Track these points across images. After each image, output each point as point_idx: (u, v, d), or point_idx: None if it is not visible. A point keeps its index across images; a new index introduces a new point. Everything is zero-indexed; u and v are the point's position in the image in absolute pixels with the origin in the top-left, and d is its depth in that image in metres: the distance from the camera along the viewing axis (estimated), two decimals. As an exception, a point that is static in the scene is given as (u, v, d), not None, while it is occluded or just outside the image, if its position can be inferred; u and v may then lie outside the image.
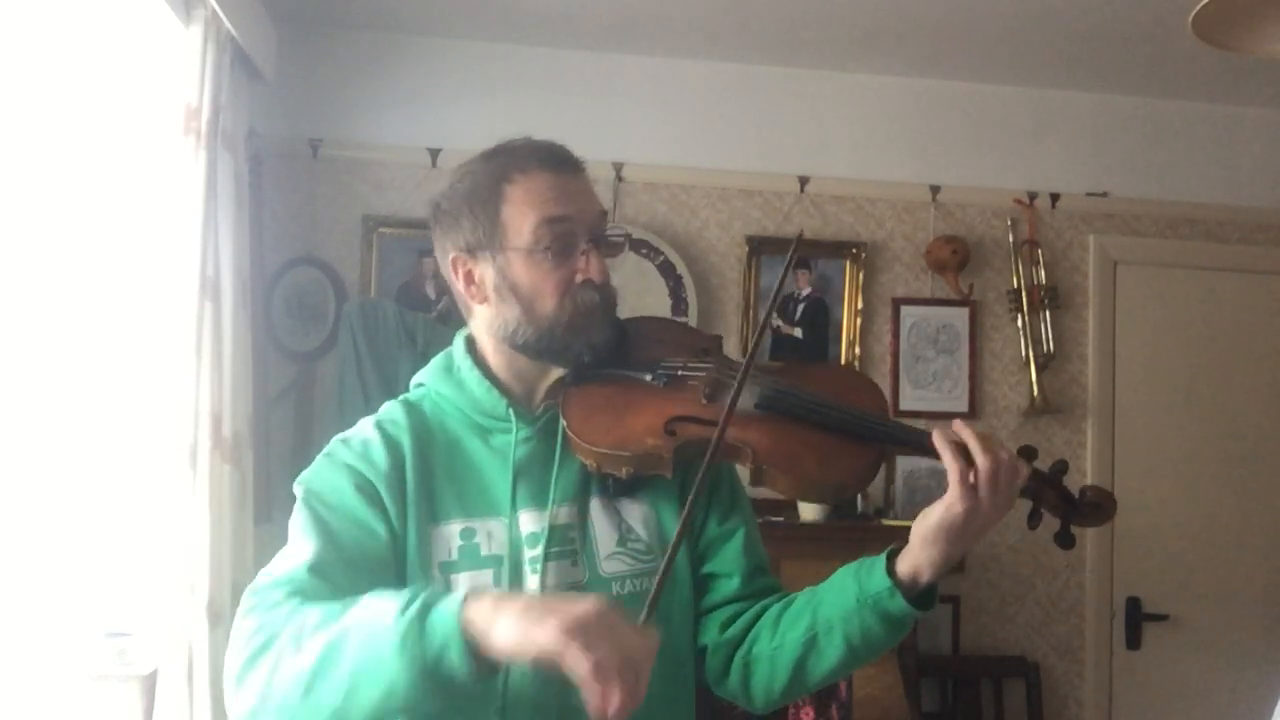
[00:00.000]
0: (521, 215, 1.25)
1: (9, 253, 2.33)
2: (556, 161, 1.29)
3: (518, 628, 0.96)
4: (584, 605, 0.97)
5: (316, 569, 1.13)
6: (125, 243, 2.54)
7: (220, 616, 2.49)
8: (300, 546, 1.16)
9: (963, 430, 1.19)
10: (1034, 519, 1.27)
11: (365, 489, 1.22)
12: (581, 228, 1.27)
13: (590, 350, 1.28)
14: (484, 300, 1.30)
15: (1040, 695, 3.34)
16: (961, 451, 1.16)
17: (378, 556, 1.19)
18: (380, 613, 1.01)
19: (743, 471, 1.26)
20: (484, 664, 0.99)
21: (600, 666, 0.94)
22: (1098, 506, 1.25)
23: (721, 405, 1.22)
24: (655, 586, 1.07)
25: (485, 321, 1.31)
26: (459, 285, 1.31)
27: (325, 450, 1.28)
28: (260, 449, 2.85)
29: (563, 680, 1.16)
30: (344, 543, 1.17)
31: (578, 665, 0.94)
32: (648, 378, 1.32)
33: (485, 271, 1.28)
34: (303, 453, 3.04)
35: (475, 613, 0.98)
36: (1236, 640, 3.51)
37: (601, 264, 1.28)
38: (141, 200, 2.55)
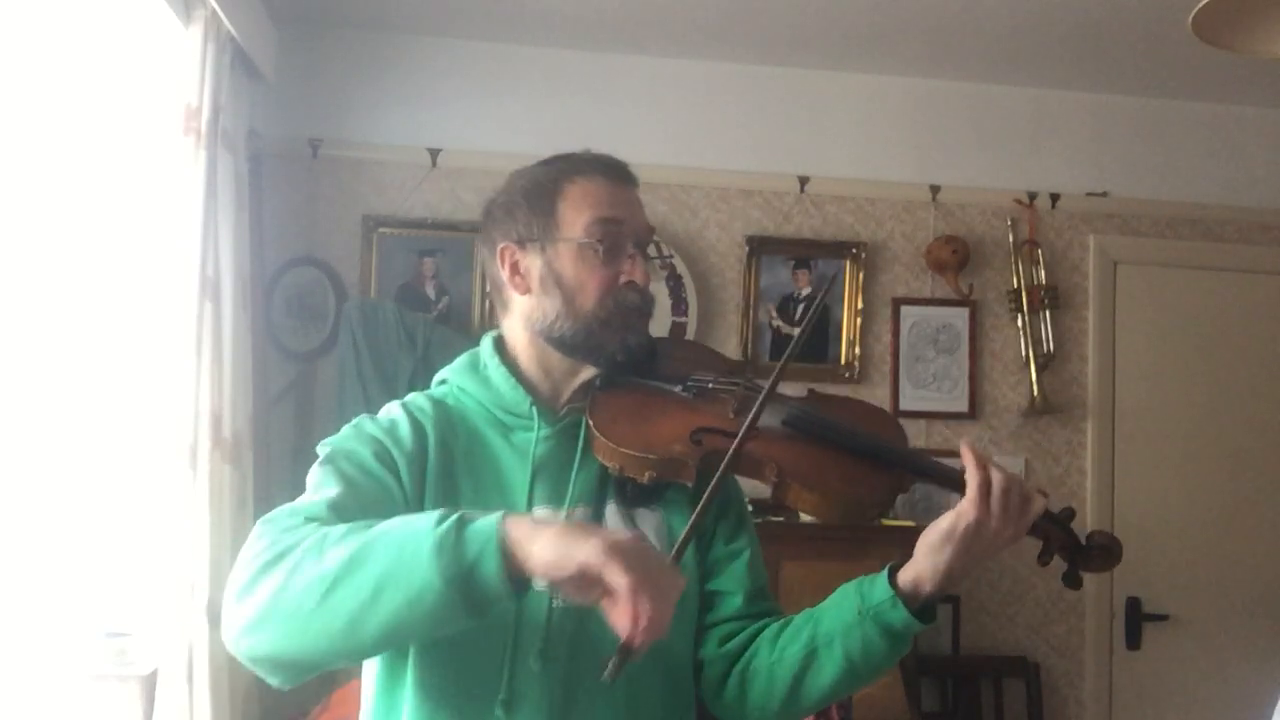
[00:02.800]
0: (577, 211, 1.29)
1: (10, 253, 2.33)
2: (615, 172, 1.33)
3: (559, 544, 0.97)
4: (621, 532, 1.03)
5: (335, 506, 1.12)
6: (125, 243, 2.54)
7: (220, 616, 2.48)
8: (321, 490, 1.16)
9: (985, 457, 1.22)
10: (1044, 557, 1.28)
11: (383, 457, 1.23)
12: (631, 234, 1.31)
13: (624, 350, 1.29)
14: (526, 291, 1.32)
15: (1040, 695, 3.34)
16: (984, 466, 1.19)
17: (396, 512, 1.17)
18: (415, 521, 1.01)
19: (763, 488, 1.27)
20: (517, 581, 0.99)
21: (636, 585, 0.96)
22: (1105, 550, 1.27)
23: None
24: (685, 534, 1.12)
25: (524, 313, 1.33)
26: (504, 274, 1.33)
27: (353, 422, 1.29)
28: (260, 449, 2.85)
29: (565, 675, 1.18)
30: (364, 493, 1.18)
31: (617, 581, 0.95)
32: (678, 389, 1.34)
33: (532, 262, 1.31)
34: (303, 453, 3.04)
35: (514, 527, 0.99)
36: (1236, 640, 3.51)
37: (645, 270, 1.32)
38: (141, 200, 2.55)
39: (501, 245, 1.33)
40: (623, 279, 1.30)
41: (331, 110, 3.24)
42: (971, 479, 1.18)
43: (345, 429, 1.28)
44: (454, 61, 3.30)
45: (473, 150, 3.22)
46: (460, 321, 3.21)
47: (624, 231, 1.30)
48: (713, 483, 1.16)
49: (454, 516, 1.00)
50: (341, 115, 3.24)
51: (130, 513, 2.51)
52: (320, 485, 1.17)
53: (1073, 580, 1.29)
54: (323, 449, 1.25)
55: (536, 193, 1.32)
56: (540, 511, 1.26)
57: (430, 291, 3.23)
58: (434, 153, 3.24)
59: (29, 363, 2.36)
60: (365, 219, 3.22)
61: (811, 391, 1.40)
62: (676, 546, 1.12)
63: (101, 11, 2.43)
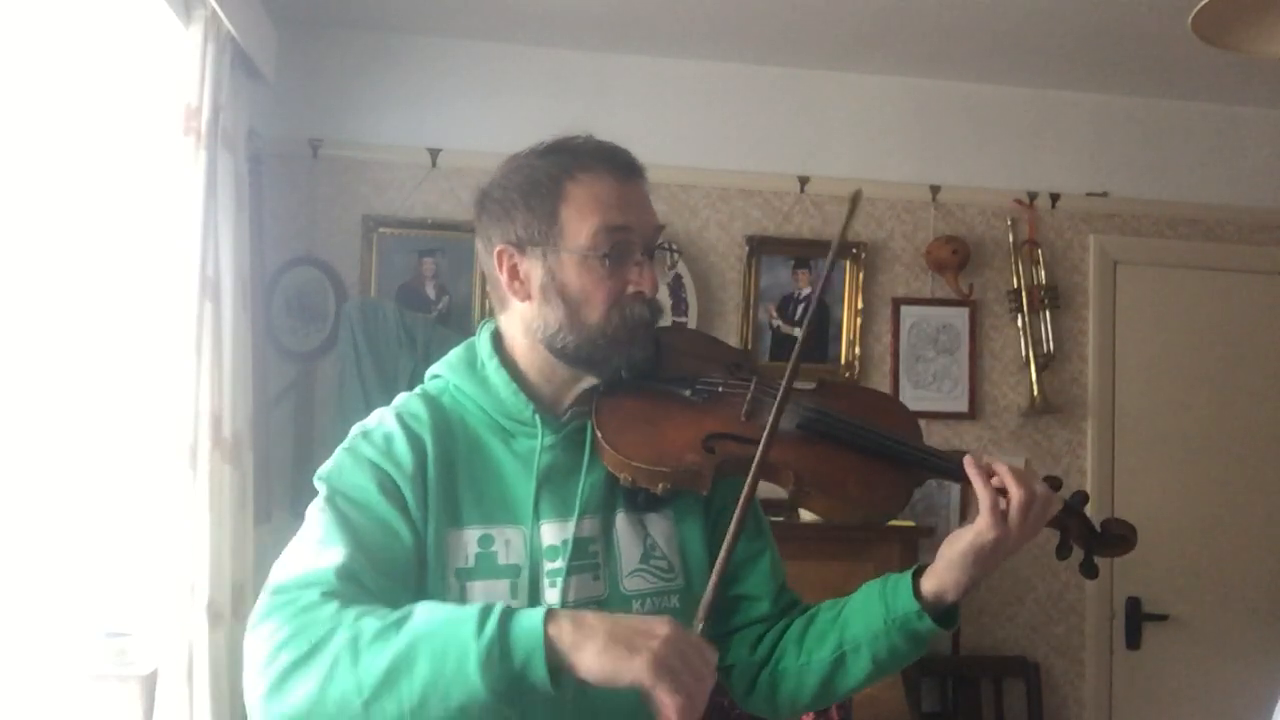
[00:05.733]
0: (581, 217, 1.21)
1: (10, 253, 2.33)
2: (622, 166, 1.25)
3: (606, 660, 0.99)
4: (661, 632, 1.00)
5: (345, 573, 1.09)
6: (125, 243, 2.54)
7: (220, 616, 2.49)
8: (327, 548, 1.11)
9: (995, 463, 1.22)
10: (1063, 550, 1.29)
11: (389, 489, 1.17)
12: (639, 239, 1.24)
13: (629, 366, 1.25)
14: (527, 298, 1.25)
15: (1040, 695, 3.34)
16: (994, 481, 1.19)
17: (404, 560, 1.16)
18: (453, 626, 1.00)
19: (780, 491, 1.25)
20: (563, 678, 1.01)
21: (684, 705, 0.99)
22: (1121, 539, 1.28)
23: (761, 424, 1.19)
24: (708, 595, 1.10)
25: (524, 319, 1.27)
26: (502, 278, 1.26)
27: (346, 444, 1.23)
28: (260, 449, 2.85)
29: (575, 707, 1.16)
30: (370, 546, 1.13)
31: (665, 701, 0.99)
32: (686, 393, 1.29)
33: (533, 268, 1.24)
34: (303, 453, 3.05)
35: (559, 632, 1.00)
36: (1236, 640, 3.51)
37: (654, 278, 1.24)
38: (141, 200, 2.55)
39: (499, 247, 1.25)
40: (630, 289, 1.23)
41: (331, 110, 3.24)
42: (983, 501, 1.17)
43: (341, 455, 1.21)
44: (454, 61, 3.30)
45: (473, 150, 3.21)
46: (460, 321, 3.21)
47: (631, 238, 1.23)
48: (737, 512, 1.13)
49: (494, 621, 1.00)
50: (341, 115, 3.24)
51: (130, 513, 2.51)
52: (325, 540, 1.12)
53: (1089, 569, 1.29)
54: (321, 484, 1.19)
55: (536, 193, 1.23)
56: (548, 527, 1.22)
57: (430, 291, 3.23)
58: (434, 153, 3.24)
59: (29, 363, 2.36)
60: (365, 219, 3.22)
61: (821, 383, 1.36)
62: (704, 605, 1.10)
63: (101, 11, 2.43)
